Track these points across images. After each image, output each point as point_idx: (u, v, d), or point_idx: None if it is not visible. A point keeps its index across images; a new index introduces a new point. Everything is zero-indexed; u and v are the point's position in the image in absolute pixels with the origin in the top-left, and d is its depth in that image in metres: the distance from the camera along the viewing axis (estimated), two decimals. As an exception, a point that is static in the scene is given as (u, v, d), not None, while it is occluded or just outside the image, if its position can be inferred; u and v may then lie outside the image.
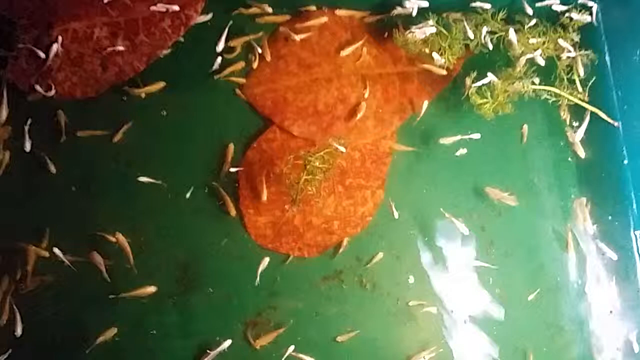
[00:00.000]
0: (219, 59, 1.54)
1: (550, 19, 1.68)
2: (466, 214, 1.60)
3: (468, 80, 1.60)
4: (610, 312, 1.60)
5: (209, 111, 1.55)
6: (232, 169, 1.51)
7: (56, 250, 1.37)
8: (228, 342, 1.43)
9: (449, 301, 1.55)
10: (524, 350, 1.55)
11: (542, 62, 1.61)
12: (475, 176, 1.63)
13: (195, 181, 1.51)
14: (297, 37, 1.57)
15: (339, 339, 1.49)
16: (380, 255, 1.54)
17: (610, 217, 1.65)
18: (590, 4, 1.69)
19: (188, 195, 1.50)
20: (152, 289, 1.42)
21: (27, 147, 1.43)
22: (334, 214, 1.55)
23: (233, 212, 1.49)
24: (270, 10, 1.60)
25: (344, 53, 1.60)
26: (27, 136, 1.43)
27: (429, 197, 1.60)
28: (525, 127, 1.64)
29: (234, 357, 1.44)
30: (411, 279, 1.53)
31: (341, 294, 1.52)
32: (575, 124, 1.67)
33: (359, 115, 1.57)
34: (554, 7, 1.68)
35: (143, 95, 1.51)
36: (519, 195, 1.61)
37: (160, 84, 1.52)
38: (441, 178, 1.61)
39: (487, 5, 1.65)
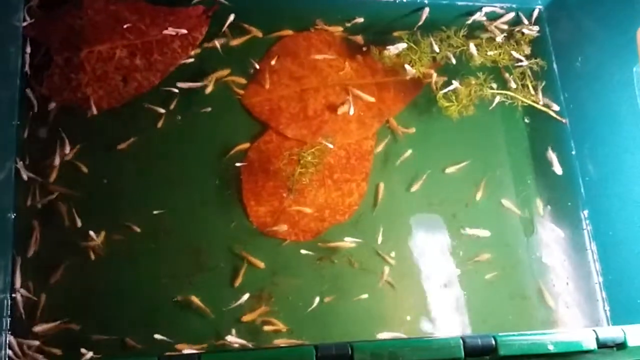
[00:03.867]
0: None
1: (505, 34, 1.95)
2: (438, 203, 1.81)
3: (436, 86, 1.86)
4: (567, 283, 1.82)
5: (215, 118, 1.75)
6: (238, 164, 1.72)
7: (91, 232, 1.58)
8: (246, 296, 1.61)
9: (427, 272, 1.74)
10: (492, 317, 1.73)
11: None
12: (446, 170, 1.84)
13: (204, 177, 1.71)
14: (273, 62, 1.82)
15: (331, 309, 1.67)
16: (365, 238, 1.73)
17: (563, 199, 1.87)
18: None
19: (198, 189, 1.70)
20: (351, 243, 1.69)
21: (67, 151, 1.62)
22: (325, 204, 1.75)
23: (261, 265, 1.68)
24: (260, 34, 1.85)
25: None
26: (67, 141, 1.62)
27: (407, 188, 1.81)
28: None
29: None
30: (393, 254, 1.74)
31: (333, 272, 1.70)
32: (527, 121, 1.94)
33: (343, 108, 1.81)
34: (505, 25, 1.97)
35: (210, 89, 1.74)
36: (484, 186, 1.84)
37: (227, 71, 1.78)
38: (416, 172, 1.82)
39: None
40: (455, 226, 1.80)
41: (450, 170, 1.85)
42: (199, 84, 1.75)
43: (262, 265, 1.67)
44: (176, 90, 1.74)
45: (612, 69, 1.76)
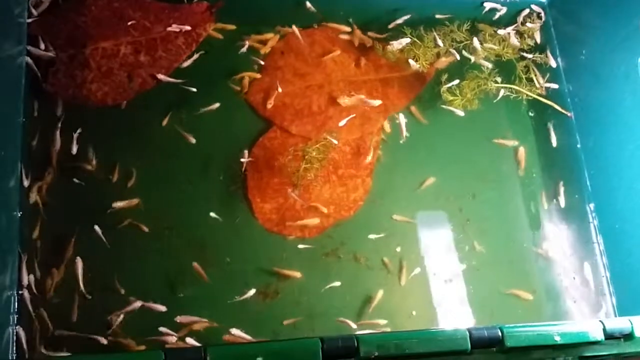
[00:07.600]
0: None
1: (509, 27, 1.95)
2: (444, 197, 1.81)
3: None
4: (574, 277, 1.82)
5: (220, 114, 1.75)
6: (242, 159, 1.71)
7: (96, 227, 1.58)
8: (252, 291, 1.61)
9: (433, 266, 1.74)
10: (499, 312, 1.73)
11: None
12: (450, 165, 1.84)
13: (209, 173, 1.71)
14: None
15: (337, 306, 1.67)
16: (371, 234, 1.73)
17: (569, 193, 1.86)
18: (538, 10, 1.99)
19: (203, 186, 1.70)
20: None
21: (74, 150, 1.62)
22: (330, 200, 1.75)
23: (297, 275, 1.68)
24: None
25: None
26: (75, 141, 1.62)
27: (412, 183, 1.81)
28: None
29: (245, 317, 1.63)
30: (398, 249, 1.74)
31: (339, 268, 1.69)
32: (531, 114, 1.93)
33: (344, 100, 1.82)
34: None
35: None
36: (490, 181, 1.84)
37: (276, 38, 1.83)
38: (421, 167, 1.82)
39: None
40: (461, 220, 1.80)
41: (455, 164, 1.85)
42: (179, 80, 1.74)
43: (298, 275, 1.67)
44: (181, 87, 1.74)
45: (616, 61, 1.76)
